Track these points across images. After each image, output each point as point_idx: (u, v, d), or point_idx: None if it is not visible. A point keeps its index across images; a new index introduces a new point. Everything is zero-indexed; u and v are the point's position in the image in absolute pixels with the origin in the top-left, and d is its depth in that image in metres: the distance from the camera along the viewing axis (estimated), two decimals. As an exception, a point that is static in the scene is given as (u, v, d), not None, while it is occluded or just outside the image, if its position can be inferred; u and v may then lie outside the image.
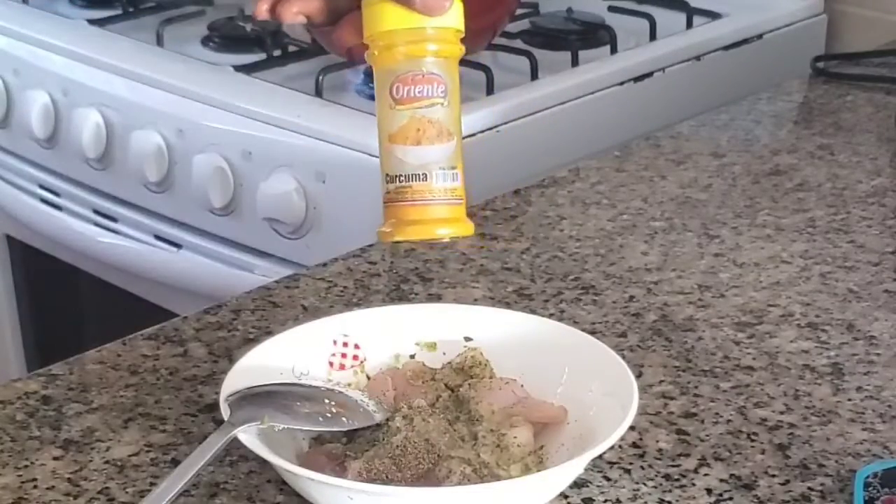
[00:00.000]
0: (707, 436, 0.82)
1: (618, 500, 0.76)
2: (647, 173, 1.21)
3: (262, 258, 1.36)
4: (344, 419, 0.78)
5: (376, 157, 1.23)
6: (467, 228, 0.80)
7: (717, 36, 1.53)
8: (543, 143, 1.34)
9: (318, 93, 1.35)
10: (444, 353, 0.84)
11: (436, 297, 0.99)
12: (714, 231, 1.10)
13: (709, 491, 0.77)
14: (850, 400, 0.86)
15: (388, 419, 0.78)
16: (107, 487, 0.77)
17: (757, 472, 0.79)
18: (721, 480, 0.78)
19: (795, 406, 0.85)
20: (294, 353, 0.82)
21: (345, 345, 0.84)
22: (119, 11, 1.63)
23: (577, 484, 0.77)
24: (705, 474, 0.79)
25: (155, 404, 0.85)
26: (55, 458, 0.80)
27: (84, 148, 1.47)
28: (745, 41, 1.54)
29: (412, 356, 0.84)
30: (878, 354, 0.92)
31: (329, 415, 0.78)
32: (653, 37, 1.50)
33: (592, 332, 0.89)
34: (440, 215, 0.78)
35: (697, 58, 1.49)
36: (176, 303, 1.42)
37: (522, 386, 0.81)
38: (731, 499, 0.77)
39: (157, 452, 0.80)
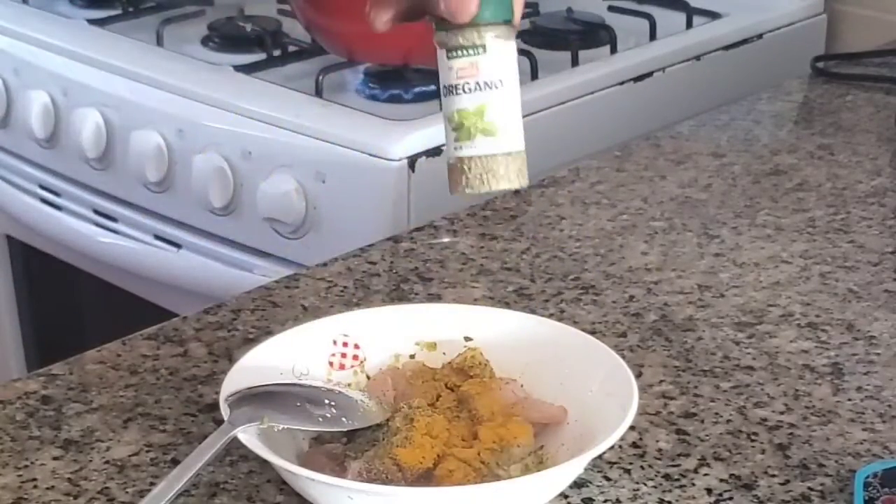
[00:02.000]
0: (707, 436, 0.82)
1: (618, 500, 0.77)
2: (647, 173, 1.21)
3: (262, 258, 1.36)
4: (344, 419, 0.78)
5: (376, 156, 1.25)
6: None
7: (717, 36, 1.53)
8: (543, 143, 1.34)
9: (318, 93, 1.35)
10: (444, 353, 0.84)
11: (436, 297, 0.99)
12: (714, 231, 1.10)
13: (709, 491, 0.77)
14: (850, 400, 0.86)
15: (388, 419, 0.78)
16: (107, 487, 0.77)
17: (757, 472, 0.79)
18: (721, 480, 0.78)
19: (795, 406, 0.85)
20: (294, 353, 0.82)
21: (345, 345, 0.84)
22: (119, 11, 1.63)
23: (577, 484, 0.77)
24: (705, 474, 0.79)
25: (155, 404, 0.85)
26: (55, 458, 0.80)
27: (84, 148, 1.47)
28: (745, 41, 1.54)
29: (412, 356, 0.84)
30: (878, 354, 0.92)
31: (329, 415, 0.78)
32: (653, 37, 1.50)
33: (592, 332, 0.89)
34: None
35: (697, 58, 1.49)
36: (176, 303, 1.42)
37: (522, 386, 0.81)
38: (731, 499, 0.77)
39: (157, 452, 0.80)
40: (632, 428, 0.79)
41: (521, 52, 1.43)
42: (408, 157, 1.25)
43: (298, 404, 0.77)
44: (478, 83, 0.74)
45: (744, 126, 1.33)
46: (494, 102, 0.74)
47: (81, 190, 1.53)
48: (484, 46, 0.73)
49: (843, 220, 1.11)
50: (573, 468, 0.74)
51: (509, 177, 0.75)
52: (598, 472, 0.79)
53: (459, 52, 0.74)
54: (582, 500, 0.76)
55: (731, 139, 1.29)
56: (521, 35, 1.52)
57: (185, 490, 0.72)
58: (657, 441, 0.82)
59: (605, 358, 0.81)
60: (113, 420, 0.84)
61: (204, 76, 1.42)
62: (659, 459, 0.80)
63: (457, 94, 0.74)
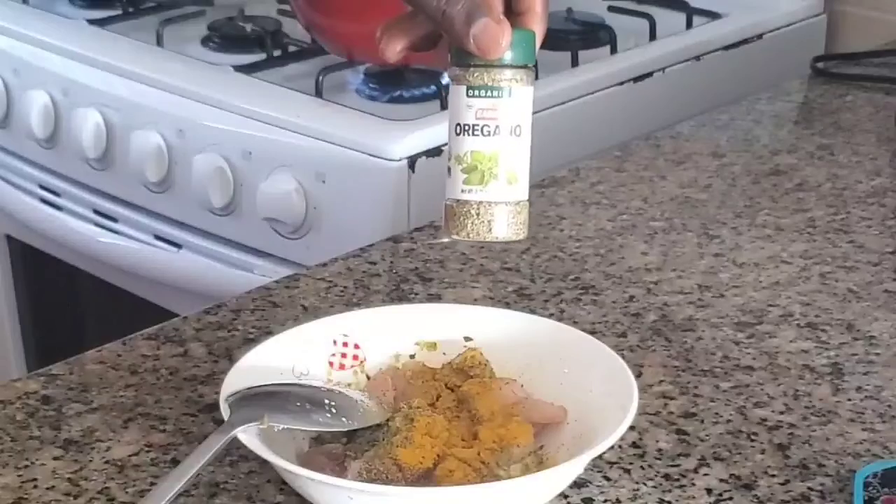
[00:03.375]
0: (707, 436, 0.82)
1: (618, 500, 0.77)
2: (647, 173, 1.21)
3: (262, 258, 1.36)
4: (344, 419, 0.78)
5: (376, 156, 1.25)
6: None
7: (717, 36, 1.53)
8: (543, 143, 1.34)
9: (318, 93, 1.35)
10: (444, 353, 0.84)
11: (436, 297, 0.99)
12: (714, 231, 1.10)
13: (709, 491, 0.77)
14: (849, 400, 0.86)
15: (388, 419, 0.78)
16: (107, 487, 0.77)
17: (757, 472, 0.79)
18: (721, 480, 0.78)
19: (795, 406, 0.85)
20: (294, 353, 0.82)
21: (345, 345, 0.84)
22: (119, 11, 1.63)
23: (577, 484, 0.77)
24: (705, 474, 0.79)
25: (155, 404, 0.85)
26: (55, 458, 0.80)
27: (84, 148, 1.47)
28: (745, 41, 1.54)
29: (412, 356, 0.84)
30: (877, 354, 0.92)
31: (329, 415, 0.78)
32: (653, 37, 1.50)
33: (592, 332, 0.89)
34: None
35: (697, 58, 1.49)
36: (176, 303, 1.42)
37: (522, 386, 0.81)
38: (730, 499, 0.77)
39: (157, 452, 0.80)
40: (632, 428, 0.79)
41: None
42: (408, 157, 1.25)
43: (298, 404, 0.77)
44: (498, 126, 0.73)
45: (744, 126, 1.33)
46: (512, 149, 0.73)
47: (81, 190, 1.53)
48: (509, 89, 0.72)
49: (843, 220, 1.11)
50: (573, 468, 0.74)
51: (515, 227, 0.74)
52: (598, 472, 0.79)
53: (483, 92, 0.72)
54: (582, 500, 0.76)
55: (731, 139, 1.29)
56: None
57: (185, 490, 0.71)
58: (657, 441, 0.82)
59: (605, 358, 0.81)
60: (113, 420, 0.84)
61: (204, 76, 1.42)
62: (659, 459, 0.80)
63: (473, 134, 0.73)
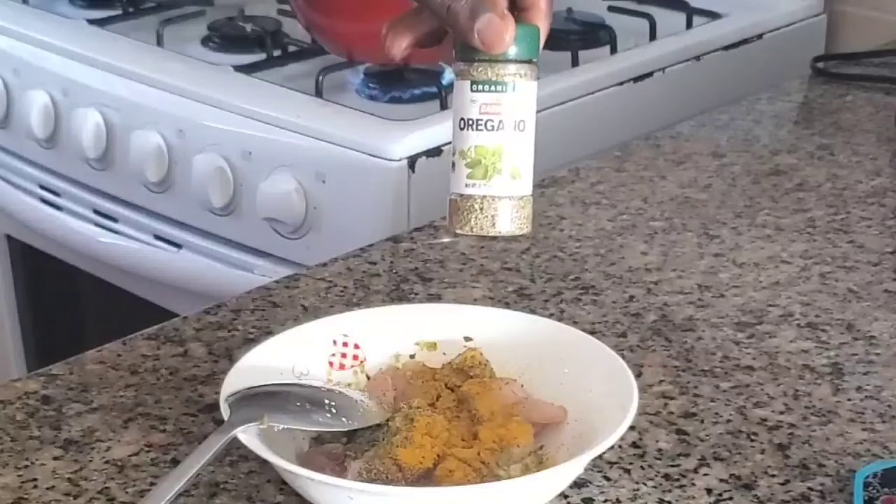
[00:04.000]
0: (707, 436, 0.82)
1: (618, 500, 0.77)
2: (647, 173, 1.21)
3: (262, 258, 1.36)
4: (344, 419, 0.78)
5: (376, 156, 1.25)
6: None
7: (717, 36, 1.53)
8: (543, 143, 1.34)
9: (318, 93, 1.35)
10: (444, 353, 0.84)
11: (436, 297, 0.99)
12: (714, 231, 1.10)
13: (709, 491, 0.77)
14: (849, 400, 0.86)
15: (388, 419, 0.78)
16: (107, 487, 0.77)
17: (757, 472, 0.79)
18: (721, 480, 0.78)
19: (795, 406, 0.85)
20: (294, 353, 0.82)
21: (345, 345, 0.84)
22: (119, 11, 1.63)
23: (577, 484, 0.77)
24: (705, 474, 0.79)
25: (155, 404, 0.85)
26: (55, 458, 0.80)
27: (84, 148, 1.47)
28: (745, 41, 1.54)
29: (412, 356, 0.84)
30: (877, 354, 0.92)
31: (329, 415, 0.78)
32: (653, 37, 1.50)
33: (592, 332, 0.89)
34: None
35: (697, 58, 1.49)
36: (176, 303, 1.42)
37: (522, 386, 0.81)
38: (730, 499, 0.77)
39: (157, 452, 0.80)
40: (632, 428, 0.79)
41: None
42: (408, 157, 1.25)
43: (298, 404, 0.77)
44: (502, 121, 0.73)
45: (744, 126, 1.33)
46: (515, 143, 0.73)
47: (81, 190, 1.53)
48: (513, 84, 0.72)
49: (843, 220, 1.11)
50: (573, 468, 0.74)
51: (519, 222, 0.74)
52: (598, 472, 0.79)
53: (487, 87, 0.73)
54: (582, 500, 0.76)
55: (731, 139, 1.29)
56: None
57: (185, 490, 0.72)
58: (657, 441, 0.82)
59: (605, 358, 0.81)
60: (113, 420, 0.84)
61: (204, 76, 1.42)
62: (659, 459, 0.80)
63: (477, 129, 0.73)
